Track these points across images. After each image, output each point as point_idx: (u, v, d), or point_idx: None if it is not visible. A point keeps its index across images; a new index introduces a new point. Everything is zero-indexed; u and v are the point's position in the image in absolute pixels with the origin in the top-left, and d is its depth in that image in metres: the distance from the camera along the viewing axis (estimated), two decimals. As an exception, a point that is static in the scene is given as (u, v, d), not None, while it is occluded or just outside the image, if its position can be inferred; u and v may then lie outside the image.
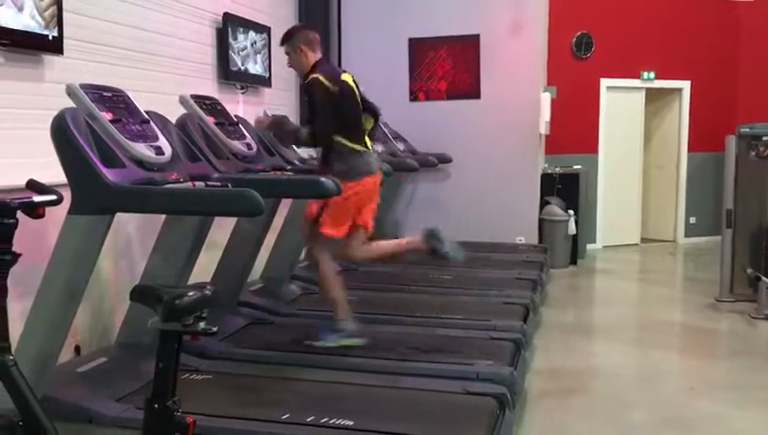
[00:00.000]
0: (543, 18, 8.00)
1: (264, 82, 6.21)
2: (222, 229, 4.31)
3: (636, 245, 9.31)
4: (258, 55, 6.05)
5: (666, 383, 4.25)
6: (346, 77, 3.89)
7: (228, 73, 5.64)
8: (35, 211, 2.17)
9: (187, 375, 3.27)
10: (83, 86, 2.98)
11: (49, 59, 3.77)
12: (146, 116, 3.16)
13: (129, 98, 3.18)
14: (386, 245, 4.19)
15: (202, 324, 1.95)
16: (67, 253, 2.73)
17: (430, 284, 5.50)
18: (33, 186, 2.29)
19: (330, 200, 3.63)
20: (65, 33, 3.76)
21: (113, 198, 2.63)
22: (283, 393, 3.17)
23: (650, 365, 4.65)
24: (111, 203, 2.65)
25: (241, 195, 2.56)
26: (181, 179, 3.04)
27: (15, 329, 2.75)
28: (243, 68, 5.82)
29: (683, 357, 4.94)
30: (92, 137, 2.80)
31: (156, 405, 1.94)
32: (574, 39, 8.79)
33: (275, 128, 4.06)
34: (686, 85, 9.30)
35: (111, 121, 2.91)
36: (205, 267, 4.34)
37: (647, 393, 4.03)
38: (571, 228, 7.65)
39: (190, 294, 1.94)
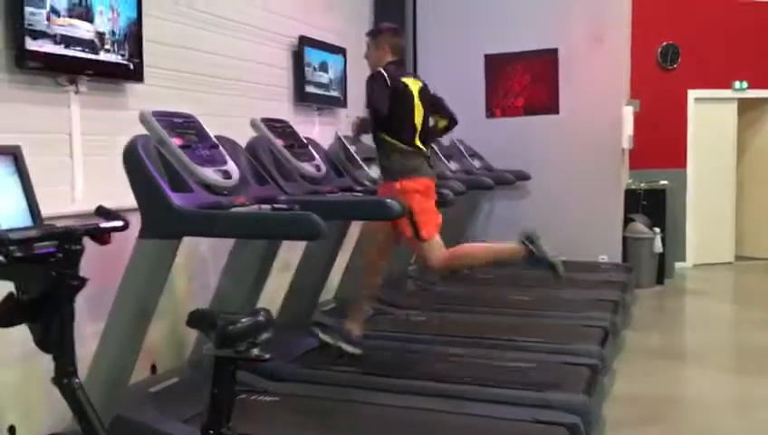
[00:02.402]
0: (625, 30, 7.75)
1: (340, 102, 6.27)
2: (295, 250, 4.35)
3: (729, 263, 8.82)
4: (334, 76, 6.13)
5: (758, 414, 3.96)
6: (408, 81, 3.95)
7: (304, 95, 5.72)
8: (102, 237, 2.24)
9: (255, 397, 3.31)
10: (155, 113, 3.07)
11: (131, 87, 3.92)
12: (215, 141, 3.23)
13: (199, 123, 3.25)
14: (471, 250, 4.06)
15: (256, 351, 1.95)
16: (137, 275, 2.81)
17: (507, 305, 5.37)
18: (102, 212, 2.37)
19: (411, 208, 3.65)
20: (145, 62, 3.91)
21: (178, 223, 2.68)
22: (349, 417, 3.16)
23: (742, 394, 4.36)
24: (177, 227, 2.71)
25: (300, 218, 2.57)
26: (248, 203, 3.07)
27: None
28: (318, 89, 5.90)
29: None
30: (162, 162, 2.88)
31: (211, 432, 1.95)
32: (659, 50, 8.48)
33: (364, 127, 4.17)
34: (782, 94, 8.79)
35: (181, 147, 2.98)
36: (282, 287, 4.42)
37: (737, 425, 3.77)
38: (657, 246, 7.33)
39: (243, 320, 1.94)
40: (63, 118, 3.54)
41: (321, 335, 4.00)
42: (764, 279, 8.41)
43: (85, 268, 2.13)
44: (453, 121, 4.22)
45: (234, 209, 2.94)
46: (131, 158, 2.78)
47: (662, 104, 8.33)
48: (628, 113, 7.35)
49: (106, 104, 3.77)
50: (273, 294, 4.43)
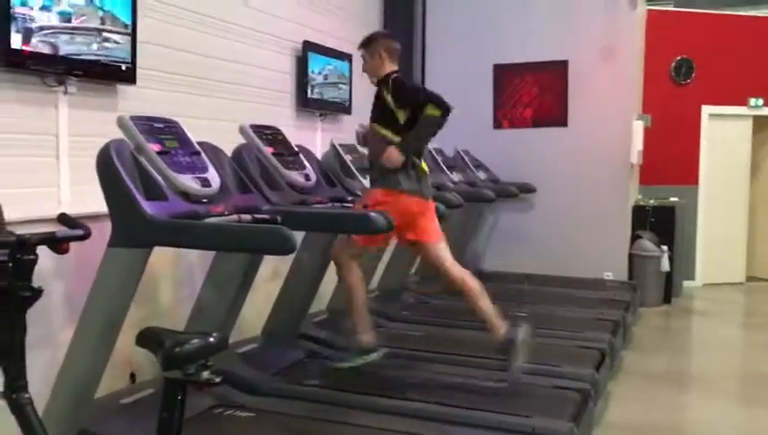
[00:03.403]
0: (638, 43, 7.61)
1: (344, 109, 6.18)
2: (285, 259, 4.25)
3: (740, 284, 8.62)
4: (338, 82, 6.04)
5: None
6: None
7: (307, 101, 5.65)
8: (59, 246, 2.15)
9: (230, 412, 3.20)
10: (135, 118, 2.99)
11: (122, 89, 3.86)
12: (197, 147, 3.14)
13: (181, 129, 3.17)
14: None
15: (206, 373, 1.85)
16: (106, 285, 2.72)
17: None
18: (64, 220, 2.28)
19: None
20: (139, 64, 3.85)
21: (148, 232, 2.59)
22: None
23: (745, 425, 4.19)
24: (147, 236, 2.62)
25: (270, 232, 2.47)
26: (226, 212, 2.98)
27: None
28: (322, 95, 5.82)
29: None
30: (138, 169, 2.79)
31: (158, 457, 1.86)
32: (673, 64, 8.31)
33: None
34: (798, 113, 8.59)
35: (159, 153, 2.90)
36: (272, 297, 4.33)
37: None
38: (665, 265, 7.16)
39: (193, 341, 1.84)
40: (50, 119, 3.49)
41: (337, 365, 3.88)
42: (774, 301, 8.21)
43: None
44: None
45: (210, 219, 2.85)
46: (103, 163, 2.69)
47: (675, 120, 8.17)
48: (638, 128, 7.20)
49: (96, 105, 3.71)
50: (262, 305, 4.35)
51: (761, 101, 8.43)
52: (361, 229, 3.29)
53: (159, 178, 2.83)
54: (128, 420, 2.94)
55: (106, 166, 2.69)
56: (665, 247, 7.21)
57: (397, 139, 3.67)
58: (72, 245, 2.22)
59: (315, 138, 5.88)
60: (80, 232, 2.22)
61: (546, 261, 7.10)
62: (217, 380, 1.85)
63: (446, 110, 3.61)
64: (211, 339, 1.87)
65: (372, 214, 3.16)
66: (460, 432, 3.09)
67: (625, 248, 7.21)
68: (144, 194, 2.71)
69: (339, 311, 4.88)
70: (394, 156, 3.63)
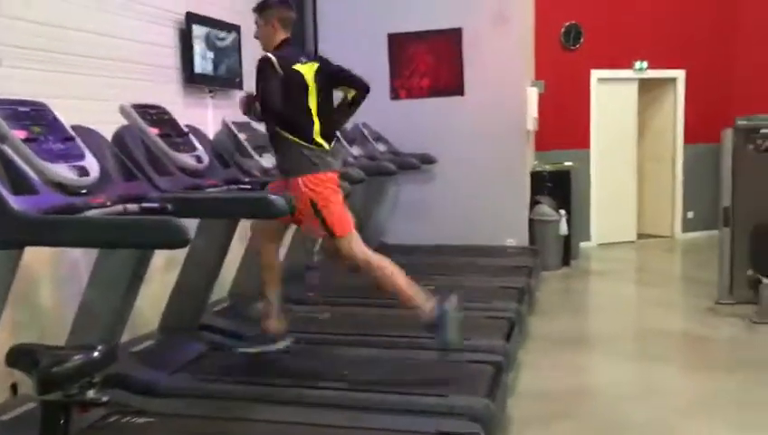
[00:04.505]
0: (528, 9, 7.65)
1: (235, 84, 5.87)
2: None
3: (632, 242, 8.97)
4: (227, 56, 5.72)
5: (663, 403, 3.90)
6: (301, 67, 3.58)
7: (194, 77, 5.31)
8: None
9: (127, 419, 2.94)
10: (-5, 101, 2.65)
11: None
12: (70, 132, 2.83)
13: (50, 112, 2.85)
14: (391, 272, 3.56)
15: (91, 393, 1.62)
16: (-28, 292, 2.40)
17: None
18: None
19: (318, 207, 3.42)
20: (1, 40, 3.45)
21: (17, 230, 2.29)
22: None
23: (646, 382, 4.31)
24: (16, 235, 2.31)
25: (159, 224, 2.23)
26: (108, 203, 2.70)
27: None
28: (210, 70, 5.49)
29: (682, 371, 4.59)
30: (2, 160, 2.47)
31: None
32: (563, 30, 8.44)
33: (253, 107, 3.67)
34: (680, 75, 8.94)
35: (25, 140, 2.58)
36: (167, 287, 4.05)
37: (642, 415, 3.69)
38: (563, 229, 7.32)
39: (74, 357, 1.61)
40: None
41: (241, 350, 3.74)
42: (663, 257, 8.59)
43: None
44: (364, 89, 3.72)
45: (90, 212, 2.56)
46: (-41, 155, 2.36)
47: (566, 85, 8.32)
48: (532, 94, 7.27)
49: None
50: (157, 297, 4.06)
51: (645, 64, 8.72)
52: (261, 213, 3.08)
53: (28, 170, 2.52)
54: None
55: (-38, 158, 2.36)
56: (563, 211, 7.36)
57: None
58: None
59: (206, 116, 5.56)
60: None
61: (449, 231, 7.10)
62: (104, 399, 1.63)
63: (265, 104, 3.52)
64: (95, 353, 1.64)
65: (272, 196, 2.96)
66: (375, 419, 2.96)
67: (525, 214, 7.30)
68: (10, 188, 2.40)
69: (241, 296, 4.67)
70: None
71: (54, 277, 3.73)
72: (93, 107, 3.91)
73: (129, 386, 3.17)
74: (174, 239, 2.22)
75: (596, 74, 8.59)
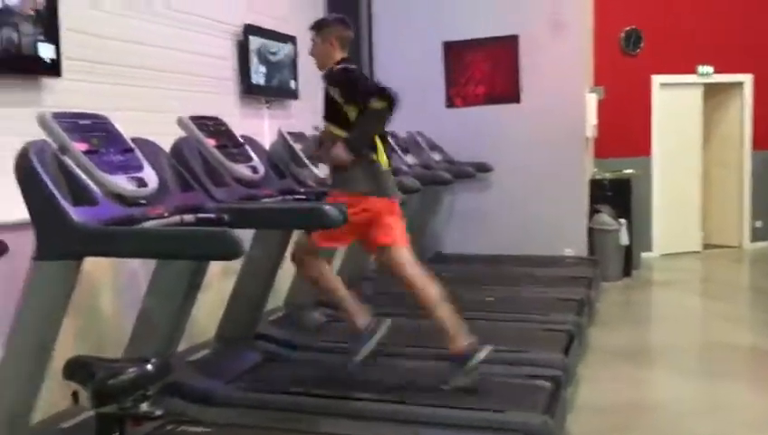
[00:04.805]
0: (587, 14, 7.50)
1: (291, 94, 5.92)
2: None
3: (697, 252, 8.66)
4: (284, 67, 5.77)
5: (729, 418, 3.73)
6: None
7: (251, 88, 5.37)
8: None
9: (183, 428, 2.95)
10: (58, 115, 2.70)
11: (47, 82, 3.56)
12: (130, 144, 2.87)
13: (111, 124, 2.89)
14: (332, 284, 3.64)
15: (145, 406, 1.62)
16: (34, 302, 2.45)
17: (465, 307, 5.02)
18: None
19: None
20: (64, 53, 3.55)
21: (76, 241, 2.33)
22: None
23: (711, 397, 4.13)
24: (75, 246, 2.35)
25: (215, 236, 2.23)
26: (166, 214, 2.73)
27: None
28: (266, 81, 5.55)
29: (750, 387, 4.38)
30: (62, 172, 2.52)
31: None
32: (622, 34, 8.24)
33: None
34: (747, 79, 8.62)
35: (86, 152, 2.62)
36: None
37: (706, 431, 3.54)
38: (624, 238, 7.12)
39: (129, 370, 1.61)
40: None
41: (355, 360, 3.54)
42: (731, 268, 8.27)
43: None
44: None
45: (147, 223, 2.59)
46: (22, 167, 2.41)
47: (626, 91, 8.13)
48: (591, 101, 7.11)
49: (15, 102, 3.38)
50: (215, 306, 4.10)
51: (710, 69, 8.44)
52: (315, 224, 3.07)
53: (88, 181, 2.56)
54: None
55: (25, 170, 2.41)
56: (623, 220, 7.17)
57: (344, 134, 3.43)
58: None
59: (263, 126, 5.62)
60: (-6, 249, 1.96)
61: (506, 240, 6.99)
62: (158, 413, 1.62)
63: (391, 101, 3.37)
64: (149, 367, 1.64)
65: (326, 206, 2.94)
66: (432, 433, 2.91)
67: (584, 224, 7.13)
68: (71, 199, 2.44)
69: (297, 306, 4.67)
70: (340, 153, 3.39)
71: (114, 286, 3.80)
72: (156, 118, 3.97)
73: (185, 395, 3.19)
74: (228, 251, 2.22)
75: (657, 80, 8.36)
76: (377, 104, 3.34)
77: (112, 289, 3.80)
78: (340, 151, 3.38)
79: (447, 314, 3.43)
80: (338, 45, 3.61)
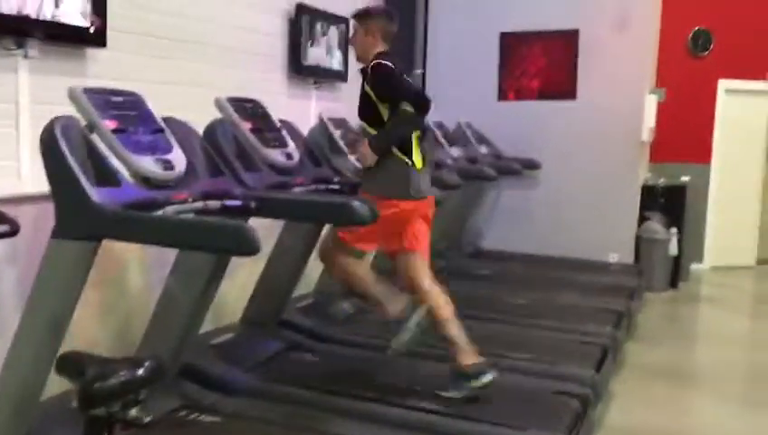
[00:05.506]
0: (654, 12, 7.17)
1: (340, 76, 5.81)
2: (268, 237, 3.91)
3: (750, 267, 8.29)
4: (334, 48, 5.67)
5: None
6: None
7: (301, 68, 5.28)
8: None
9: (195, 416, 2.91)
10: (89, 90, 2.66)
11: (91, 52, 3.53)
12: (160, 124, 2.81)
13: (143, 103, 2.83)
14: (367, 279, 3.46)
15: (134, 411, 1.55)
16: (49, 280, 2.42)
17: (500, 310, 4.88)
18: (-9, 213, 1.98)
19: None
20: (110, 25, 3.51)
21: (93, 222, 2.27)
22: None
23: (755, 427, 3.91)
24: (92, 228, 2.30)
25: (230, 231, 2.14)
26: (190, 199, 2.66)
27: None
28: (316, 62, 5.45)
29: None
30: (87, 150, 2.47)
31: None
32: (690, 35, 7.87)
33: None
34: (820, 90, 8.16)
35: (114, 131, 2.57)
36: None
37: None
38: (673, 249, 6.84)
39: (120, 373, 1.54)
40: (10, 85, 3.16)
41: (394, 347, 3.38)
42: (787, 286, 7.89)
43: None
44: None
45: (171, 208, 2.53)
46: (47, 142, 2.37)
47: (690, 94, 7.76)
48: (651, 103, 6.82)
49: (61, 71, 3.37)
50: (243, 286, 4.04)
51: (782, 77, 8.01)
52: (342, 220, 2.96)
53: (113, 161, 2.51)
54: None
55: (49, 145, 2.37)
56: (674, 230, 6.88)
57: (374, 132, 3.32)
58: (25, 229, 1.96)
59: (309, 108, 5.54)
60: (5, 228, 1.91)
61: (549, 241, 6.80)
62: (146, 419, 1.55)
63: (421, 108, 3.26)
64: (140, 371, 1.56)
65: (355, 202, 2.83)
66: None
67: (632, 230, 6.88)
68: (93, 179, 2.39)
69: (326, 295, 4.59)
70: (367, 155, 3.29)
71: (142, 261, 3.78)
72: (200, 93, 3.90)
73: (201, 381, 3.15)
74: (242, 246, 2.13)
75: (724, 84, 7.96)
76: (407, 108, 3.22)
77: (140, 265, 3.78)
78: (366, 151, 3.28)
79: (457, 331, 3.29)
80: (379, 38, 3.47)
